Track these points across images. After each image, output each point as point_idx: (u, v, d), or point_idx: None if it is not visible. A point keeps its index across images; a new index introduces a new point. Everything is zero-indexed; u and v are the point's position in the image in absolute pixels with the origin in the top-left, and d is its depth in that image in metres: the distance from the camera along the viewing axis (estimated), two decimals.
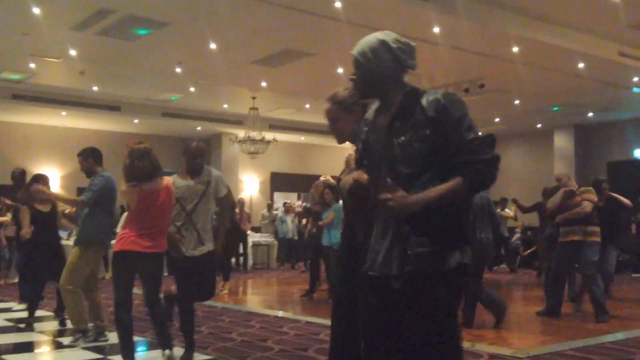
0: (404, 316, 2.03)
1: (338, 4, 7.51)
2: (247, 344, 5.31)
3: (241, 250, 13.53)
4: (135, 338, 4.56)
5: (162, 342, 4.38)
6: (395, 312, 2.05)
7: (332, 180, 8.77)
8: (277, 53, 9.72)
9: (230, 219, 8.25)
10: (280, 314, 7.28)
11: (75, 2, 7.73)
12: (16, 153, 14.00)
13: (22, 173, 7.16)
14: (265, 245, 14.43)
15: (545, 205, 9.60)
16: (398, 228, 2.02)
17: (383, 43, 2.14)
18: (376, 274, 2.09)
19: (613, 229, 7.23)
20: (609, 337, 5.60)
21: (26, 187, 6.19)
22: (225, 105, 14.35)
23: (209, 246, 4.55)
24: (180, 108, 14.40)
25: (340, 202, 8.73)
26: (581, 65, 9.89)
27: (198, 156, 4.59)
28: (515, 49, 9.06)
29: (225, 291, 8.97)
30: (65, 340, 5.41)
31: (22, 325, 6.13)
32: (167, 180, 4.40)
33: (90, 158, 5.32)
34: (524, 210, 10.03)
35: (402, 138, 2.04)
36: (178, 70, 10.61)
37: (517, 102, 12.73)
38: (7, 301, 8.00)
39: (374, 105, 2.24)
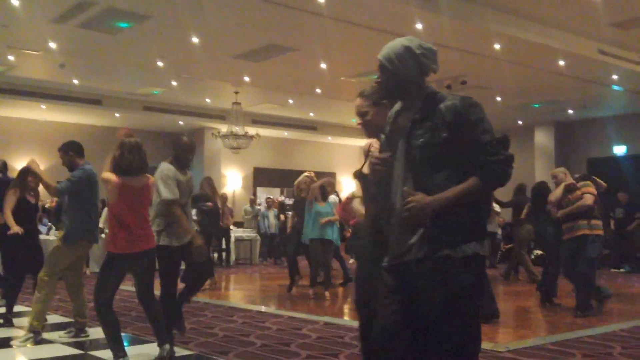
0: (424, 301, 2.13)
1: (321, 0, 7.51)
2: (229, 339, 5.30)
3: (224, 246, 13.48)
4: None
5: (162, 337, 4.38)
6: (416, 297, 2.15)
7: (314, 177, 8.81)
8: (260, 48, 9.69)
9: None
10: (263, 309, 7.28)
11: None
12: None
13: (4, 164, 7.09)
14: (247, 240, 14.40)
15: (521, 202, 9.67)
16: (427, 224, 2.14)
17: (408, 49, 2.25)
18: (397, 261, 2.21)
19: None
20: (588, 332, 5.69)
21: (22, 175, 6.05)
22: (208, 100, 14.28)
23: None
24: (162, 102, 14.29)
25: (332, 197, 8.78)
26: (562, 63, 10.01)
27: (190, 152, 4.63)
28: (496, 46, 9.14)
29: (207, 286, 8.95)
30: (46, 336, 5.36)
31: (1, 321, 6.05)
32: (151, 178, 4.39)
33: (70, 151, 5.27)
34: (501, 204, 10.13)
35: (422, 140, 2.17)
36: (160, 64, 10.53)
37: (498, 99, 12.84)
38: None
39: (397, 105, 2.35)
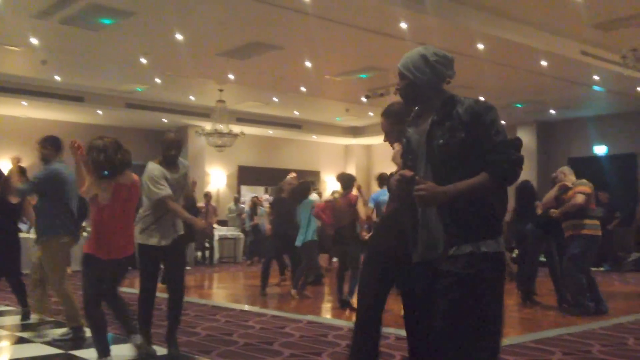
0: (448, 296, 2.26)
1: None
2: (212, 338, 5.29)
3: (207, 244, 13.44)
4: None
5: (130, 329, 4.39)
6: (440, 292, 2.29)
7: (295, 179, 8.79)
8: (244, 45, 9.65)
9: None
10: (246, 307, 7.27)
11: None
12: None
13: None
14: (232, 239, 14.36)
15: None
16: (443, 216, 2.30)
17: (423, 57, 2.44)
18: (422, 259, 2.37)
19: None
20: (568, 330, 5.76)
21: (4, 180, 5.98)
22: (192, 97, 14.20)
23: (180, 230, 4.64)
24: (145, 99, 14.18)
25: (314, 196, 8.80)
26: (544, 63, 10.10)
27: (172, 148, 4.60)
28: (480, 46, 9.20)
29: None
30: (27, 335, 5.31)
31: None
32: (135, 175, 4.37)
33: (49, 146, 5.22)
34: None
35: (441, 141, 2.33)
36: (143, 61, 10.44)
37: (481, 98, 12.87)
38: None
39: (418, 109, 2.52)
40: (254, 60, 10.43)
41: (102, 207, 4.11)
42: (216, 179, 16.94)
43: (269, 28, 8.87)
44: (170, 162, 4.61)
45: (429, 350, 2.39)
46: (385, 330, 5.68)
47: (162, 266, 4.71)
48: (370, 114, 16.21)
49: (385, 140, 3.21)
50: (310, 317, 6.43)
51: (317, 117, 16.90)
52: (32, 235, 9.86)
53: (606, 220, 12.51)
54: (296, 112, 16.18)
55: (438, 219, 2.32)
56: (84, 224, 7.40)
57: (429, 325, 2.32)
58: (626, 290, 8.29)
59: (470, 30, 8.57)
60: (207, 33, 9.09)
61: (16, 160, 5.30)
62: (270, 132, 17.30)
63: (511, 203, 10.23)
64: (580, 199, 6.56)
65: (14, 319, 6.17)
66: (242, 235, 14.51)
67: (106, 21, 8.61)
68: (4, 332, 5.67)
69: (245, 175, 17.46)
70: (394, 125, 3.10)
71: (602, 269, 12.30)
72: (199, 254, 13.21)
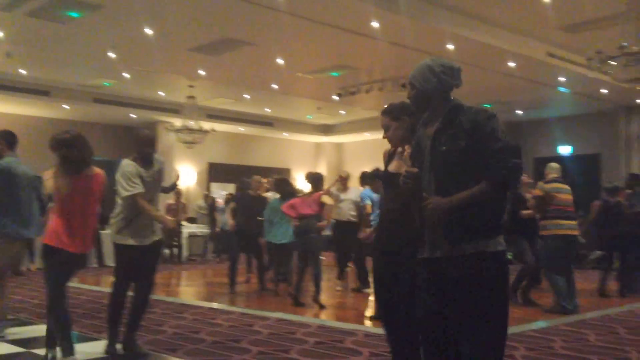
0: (453, 293, 2.42)
1: None
2: (179, 336, 5.24)
3: (175, 242, 13.30)
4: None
5: (60, 339, 4.24)
6: (445, 288, 2.45)
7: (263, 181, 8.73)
8: (215, 41, 9.58)
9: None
10: (215, 305, 7.22)
11: None
12: None
13: None
14: (201, 236, 14.24)
15: None
16: (442, 221, 2.45)
17: (429, 67, 2.62)
18: (429, 257, 2.53)
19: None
20: (531, 326, 5.87)
21: None
22: (162, 93, 14.03)
23: (158, 234, 4.60)
24: (113, 94, 13.96)
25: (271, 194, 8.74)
26: (512, 64, 10.27)
27: (147, 145, 4.55)
28: (450, 47, 9.30)
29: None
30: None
31: None
32: (99, 170, 4.30)
33: (3, 140, 5.10)
34: None
35: (444, 147, 2.49)
36: (111, 55, 10.28)
37: (451, 97, 13.07)
38: None
39: (425, 115, 2.69)
40: (225, 56, 10.36)
41: (63, 198, 4.07)
42: (186, 175, 16.79)
43: (241, 24, 8.82)
44: (145, 159, 4.55)
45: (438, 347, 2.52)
46: (353, 327, 5.73)
47: None
48: (342, 112, 16.26)
49: (384, 137, 3.34)
50: (279, 315, 6.42)
51: (288, 114, 16.88)
52: None
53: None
54: (267, 110, 16.14)
55: (438, 225, 2.47)
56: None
57: (431, 323, 2.50)
58: (588, 287, 8.49)
59: (441, 30, 8.66)
60: (178, 28, 9.00)
61: None
62: (241, 129, 17.21)
63: None
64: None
65: None
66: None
67: (73, 14, 8.45)
68: None
69: (216, 173, 17.34)
70: (392, 121, 3.26)
71: None
72: (167, 251, 13.06)
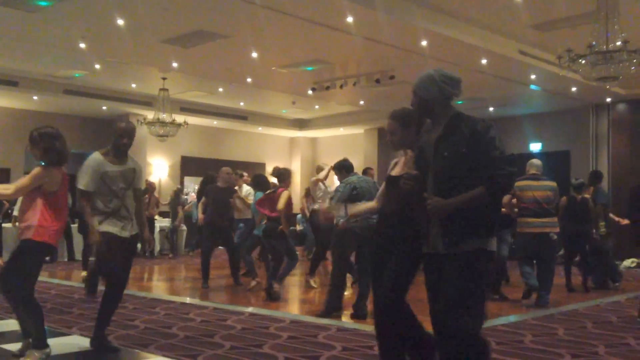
0: (447, 277, 2.77)
1: None
2: (151, 331, 5.19)
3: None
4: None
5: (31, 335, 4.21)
6: (442, 275, 2.80)
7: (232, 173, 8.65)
8: (189, 33, 9.46)
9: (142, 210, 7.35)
10: (187, 300, 7.17)
11: None
12: None
13: None
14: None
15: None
16: (442, 221, 2.74)
17: (431, 77, 2.85)
18: (430, 251, 2.85)
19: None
20: (501, 320, 5.97)
21: None
22: (134, 85, 13.82)
23: (136, 229, 4.60)
24: (84, 86, 13.69)
25: (246, 188, 8.70)
26: (484, 61, 10.38)
27: (125, 136, 4.52)
28: (423, 43, 9.35)
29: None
30: None
31: None
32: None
33: None
34: None
35: (445, 153, 2.72)
36: (82, 45, 10.08)
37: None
38: None
39: (429, 122, 2.93)
40: (199, 48, 10.24)
41: (51, 193, 4.10)
42: (158, 169, 16.59)
43: (216, 16, 8.73)
44: (119, 151, 4.51)
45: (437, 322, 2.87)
46: (327, 322, 5.74)
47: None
48: (317, 106, 16.24)
49: (388, 140, 3.55)
50: (252, 309, 6.41)
51: (263, 108, 16.79)
52: None
53: None
54: (242, 103, 16.03)
55: (440, 221, 2.75)
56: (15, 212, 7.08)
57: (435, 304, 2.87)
58: (555, 282, 8.65)
59: (415, 27, 8.70)
60: (151, 19, 8.85)
61: None
62: (215, 122, 17.07)
63: None
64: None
65: None
66: (184, 227, 14.26)
67: (43, 2, 8.25)
68: None
69: (189, 166, 17.17)
70: (400, 127, 3.46)
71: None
72: (139, 245, 12.90)
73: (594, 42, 7.32)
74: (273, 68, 11.62)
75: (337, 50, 10.36)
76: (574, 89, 12.30)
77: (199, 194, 9.54)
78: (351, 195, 6.03)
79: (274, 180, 8.24)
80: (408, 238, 3.16)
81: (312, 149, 20.05)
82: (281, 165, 10.63)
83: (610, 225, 8.74)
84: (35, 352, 4.00)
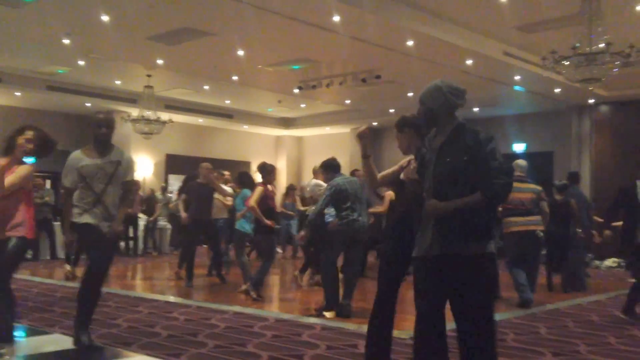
0: (443, 283, 2.88)
1: None
2: (134, 330, 5.15)
3: (131, 234, 13.06)
4: None
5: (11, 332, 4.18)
6: (436, 279, 2.89)
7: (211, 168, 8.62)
8: (175, 30, 9.41)
9: (130, 205, 7.18)
10: (171, 299, 7.13)
11: None
12: None
13: None
14: (158, 229, 14.02)
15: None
16: (437, 223, 2.85)
17: (438, 88, 2.96)
18: (424, 255, 2.93)
19: None
20: None
21: None
22: (118, 82, 13.71)
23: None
24: (68, 82, 13.55)
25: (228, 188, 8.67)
26: (469, 62, 10.45)
27: (103, 126, 4.46)
28: (410, 43, 9.39)
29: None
30: None
31: None
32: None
33: None
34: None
35: (447, 159, 2.86)
36: (66, 41, 9.98)
37: (410, 94, 13.22)
38: None
39: (433, 131, 3.03)
40: (185, 46, 10.19)
41: (28, 189, 4.18)
42: (142, 167, 16.48)
43: (202, 14, 8.69)
44: (100, 142, 4.46)
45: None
46: (312, 321, 5.75)
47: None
48: (303, 105, 16.23)
49: (399, 147, 3.81)
50: (236, 308, 6.39)
51: (248, 107, 16.75)
52: None
53: None
54: (227, 102, 15.97)
55: (435, 224, 2.86)
56: None
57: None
58: (538, 282, 8.73)
59: (402, 27, 8.73)
60: (136, 15, 8.79)
61: None
62: (200, 120, 16.99)
63: None
64: None
65: None
66: (168, 225, 14.18)
67: None
68: None
69: (174, 164, 17.07)
70: (398, 133, 3.81)
71: None
72: (122, 244, 12.82)
73: (577, 44, 7.40)
74: (259, 66, 11.59)
75: (323, 49, 10.36)
76: (557, 90, 12.42)
77: (181, 191, 9.46)
78: (336, 197, 6.08)
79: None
80: (411, 238, 3.23)
81: (298, 148, 20.04)
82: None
83: (593, 226, 8.83)
84: None
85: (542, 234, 7.13)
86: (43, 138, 4.23)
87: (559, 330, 5.58)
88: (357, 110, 16.13)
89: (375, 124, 17.54)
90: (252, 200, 7.07)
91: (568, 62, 7.64)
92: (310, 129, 18.68)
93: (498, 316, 6.08)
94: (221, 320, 5.68)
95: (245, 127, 18.38)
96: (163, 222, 14.15)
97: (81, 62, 11.67)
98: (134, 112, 13.63)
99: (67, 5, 8.42)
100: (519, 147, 15.38)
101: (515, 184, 7.01)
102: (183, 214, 8.52)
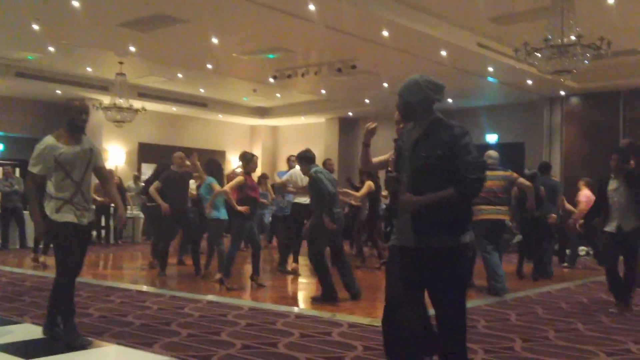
0: (419, 273, 2.91)
1: None
2: (106, 319, 5.11)
3: (103, 223, 12.91)
4: None
5: None
6: (413, 270, 2.92)
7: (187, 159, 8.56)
8: (147, 17, 9.26)
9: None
10: (144, 288, 7.08)
11: None
12: None
13: None
14: (130, 218, 13.86)
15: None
16: (412, 217, 2.87)
17: (416, 82, 2.98)
18: (400, 245, 2.97)
19: None
20: None
21: None
22: (89, 69, 13.47)
23: (92, 215, 4.48)
24: (37, 69, 13.26)
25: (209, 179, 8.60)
26: (443, 53, 10.51)
27: (84, 112, 4.36)
28: (385, 34, 9.40)
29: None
30: None
31: None
32: None
33: None
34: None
35: (422, 154, 2.89)
36: (35, 27, 9.74)
37: (385, 85, 13.26)
38: None
39: (410, 124, 3.07)
40: (158, 33, 10.04)
41: None
42: (114, 155, 16.26)
43: (175, 0, 8.56)
44: (76, 129, 4.33)
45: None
46: (285, 309, 5.77)
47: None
48: (278, 95, 16.16)
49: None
50: (210, 297, 6.37)
51: (223, 96, 16.62)
52: None
53: None
54: (202, 90, 15.82)
55: (412, 217, 2.88)
56: None
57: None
58: (508, 270, 8.84)
59: (377, 17, 8.74)
60: (108, 1, 8.62)
61: None
62: (174, 109, 16.81)
63: None
64: None
65: None
66: (141, 215, 14.02)
67: None
68: None
69: (147, 153, 16.86)
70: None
71: None
72: (94, 233, 12.65)
73: (549, 36, 7.50)
74: (234, 54, 11.49)
75: (299, 38, 10.31)
76: (529, 81, 12.59)
77: (153, 178, 9.18)
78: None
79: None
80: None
81: (273, 137, 19.97)
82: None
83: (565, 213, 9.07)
84: None
85: (511, 224, 7.27)
86: None
87: (529, 317, 5.69)
88: (332, 100, 16.12)
89: (350, 114, 17.57)
90: (227, 186, 7.11)
91: (540, 54, 7.74)
92: (286, 118, 18.62)
93: (469, 304, 6.21)
94: (195, 309, 5.67)
95: (220, 116, 18.24)
96: (136, 212, 13.99)
97: (51, 49, 11.43)
98: (106, 99, 13.41)
99: None
100: (491, 138, 15.57)
101: (487, 173, 7.16)
102: (163, 205, 8.30)
